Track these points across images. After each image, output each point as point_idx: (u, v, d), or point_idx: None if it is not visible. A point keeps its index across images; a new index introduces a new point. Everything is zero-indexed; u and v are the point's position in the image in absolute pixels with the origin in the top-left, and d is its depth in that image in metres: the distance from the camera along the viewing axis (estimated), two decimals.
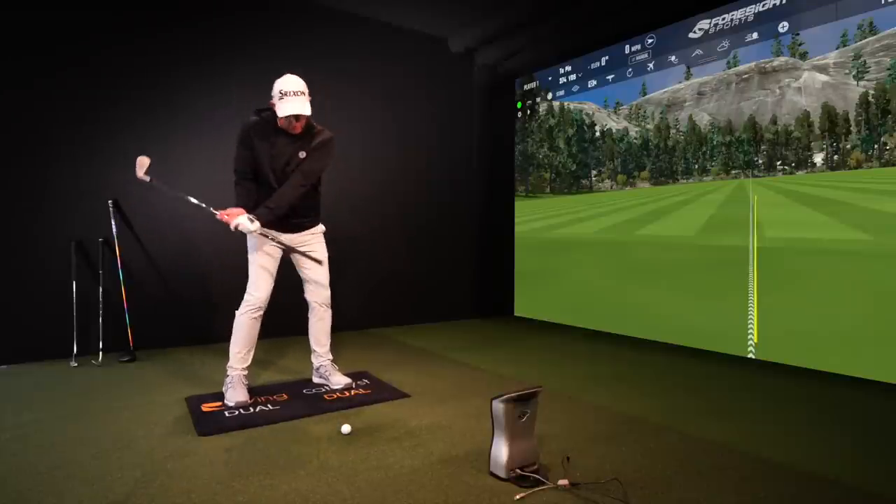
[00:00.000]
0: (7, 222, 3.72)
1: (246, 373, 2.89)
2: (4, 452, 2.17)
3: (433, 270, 5.73)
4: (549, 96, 5.72)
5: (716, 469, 2.04)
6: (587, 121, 5.37)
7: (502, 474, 1.90)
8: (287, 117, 2.68)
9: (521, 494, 1.79)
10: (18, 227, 3.75)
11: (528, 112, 5.99)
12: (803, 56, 3.73)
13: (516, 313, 5.97)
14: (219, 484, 1.89)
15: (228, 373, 2.85)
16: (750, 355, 3.84)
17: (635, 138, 4.94)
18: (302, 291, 3.09)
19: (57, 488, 1.85)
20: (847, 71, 3.49)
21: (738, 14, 4.05)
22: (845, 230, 3.45)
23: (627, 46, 4.86)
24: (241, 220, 2.70)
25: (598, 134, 5.28)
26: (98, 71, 3.98)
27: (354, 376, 3.28)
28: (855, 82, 3.45)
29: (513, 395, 1.89)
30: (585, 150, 5.42)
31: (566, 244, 5.42)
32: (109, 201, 3.99)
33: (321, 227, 3.09)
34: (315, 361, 3.18)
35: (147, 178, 2.91)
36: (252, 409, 2.70)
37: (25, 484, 1.89)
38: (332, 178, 4.29)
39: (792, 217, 3.72)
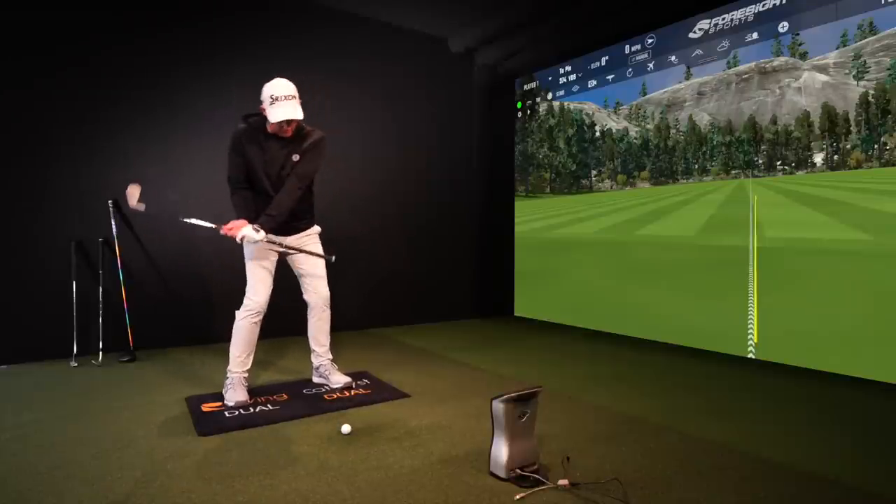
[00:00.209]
0: (7, 222, 3.72)
1: (246, 375, 2.89)
2: (4, 452, 2.17)
3: (433, 270, 5.73)
4: (549, 96, 5.72)
5: (716, 469, 2.04)
6: (587, 121, 5.37)
7: (502, 474, 1.90)
8: (279, 122, 2.65)
9: (521, 494, 1.79)
10: (18, 227, 3.75)
11: (528, 112, 5.99)
12: (803, 56, 3.73)
13: (516, 313, 5.97)
14: (219, 484, 1.89)
15: (228, 375, 2.85)
16: (750, 355, 3.84)
17: (635, 138, 4.94)
18: (301, 292, 3.09)
19: (57, 488, 1.85)
20: (847, 71, 3.49)
21: (738, 14, 4.05)
22: (845, 230, 3.45)
23: (627, 46, 4.86)
24: (247, 231, 2.68)
25: (598, 134, 5.28)
26: (98, 71, 3.98)
27: (354, 376, 3.28)
28: (855, 82, 3.45)
29: (513, 395, 1.89)
30: (585, 150, 5.42)
31: (566, 244, 5.42)
32: (109, 201, 3.99)
33: (316, 229, 3.08)
34: (315, 361, 3.18)
35: (141, 208, 2.89)
36: (252, 409, 2.70)
37: (25, 484, 1.89)
38: (332, 178, 4.30)
39: (792, 217, 3.72)
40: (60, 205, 3.89)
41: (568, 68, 5.47)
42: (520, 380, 3.30)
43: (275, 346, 4.16)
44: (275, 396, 2.93)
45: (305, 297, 3.08)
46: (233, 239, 2.73)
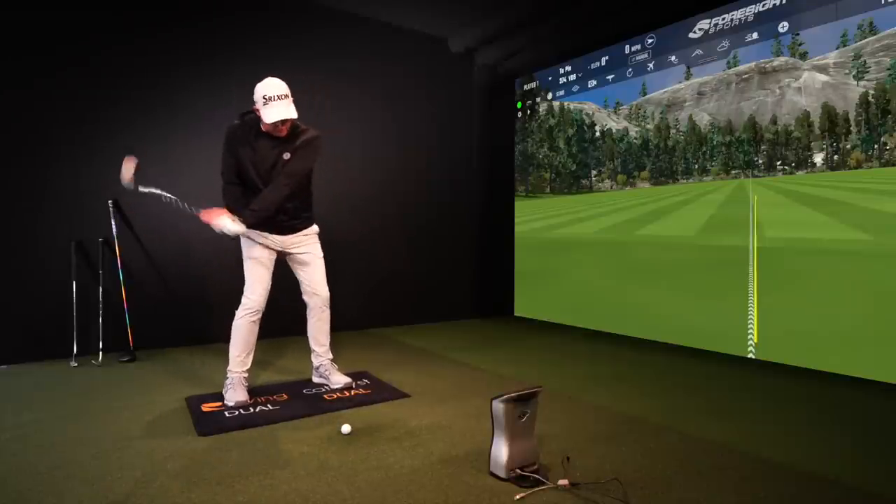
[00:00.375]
0: (7, 222, 3.72)
1: (246, 375, 2.89)
2: (4, 452, 2.17)
3: (433, 270, 5.73)
4: (549, 96, 5.72)
5: (716, 469, 2.04)
6: (587, 121, 5.37)
7: (502, 474, 1.90)
8: (273, 123, 2.64)
9: (521, 494, 1.79)
10: (18, 227, 3.75)
11: (528, 112, 5.99)
12: (803, 56, 3.73)
13: (516, 313, 5.97)
14: (219, 484, 1.89)
15: (228, 375, 2.85)
16: (750, 355, 3.84)
17: (635, 138, 4.94)
18: (300, 292, 3.09)
19: (57, 488, 1.85)
20: (847, 71, 3.49)
21: (738, 14, 4.05)
22: (845, 230, 3.45)
23: (627, 46, 4.86)
24: (223, 220, 2.65)
25: (598, 134, 5.28)
26: (98, 71, 3.98)
27: (354, 376, 3.28)
28: (855, 82, 3.45)
29: (513, 395, 1.89)
30: (585, 150, 5.42)
31: (566, 244, 5.42)
32: (109, 201, 3.99)
33: (315, 228, 3.06)
34: (315, 361, 3.18)
35: (132, 186, 2.83)
36: (252, 409, 2.70)
37: (25, 484, 1.89)
38: (332, 178, 4.31)
39: (792, 217, 3.72)
40: (60, 205, 3.89)
41: (568, 68, 5.47)
42: (520, 380, 3.30)
43: (274, 346, 4.16)
44: (275, 396, 2.93)
45: (305, 297, 3.08)
46: (210, 226, 2.68)
